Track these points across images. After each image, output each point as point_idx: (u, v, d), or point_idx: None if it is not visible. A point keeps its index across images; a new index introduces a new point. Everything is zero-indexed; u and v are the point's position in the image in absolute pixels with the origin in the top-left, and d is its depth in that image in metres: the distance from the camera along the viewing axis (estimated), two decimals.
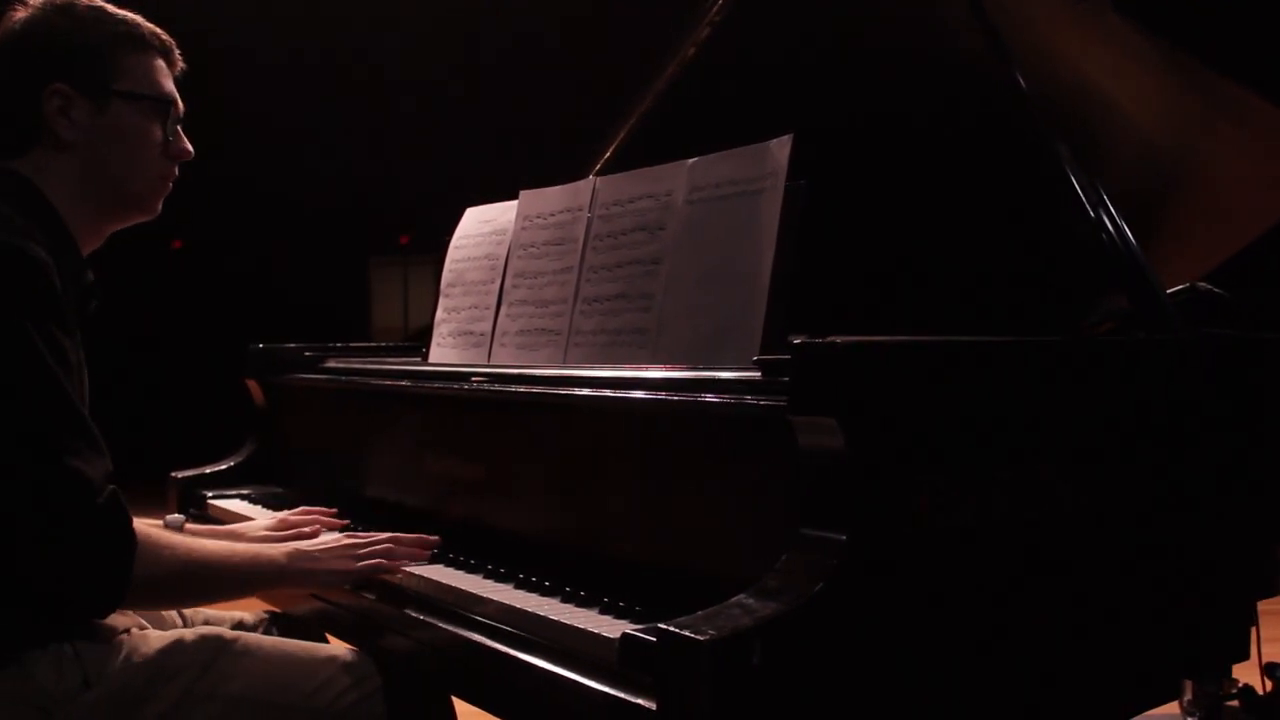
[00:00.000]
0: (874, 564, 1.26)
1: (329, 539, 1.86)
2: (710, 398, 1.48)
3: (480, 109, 9.28)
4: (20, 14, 1.75)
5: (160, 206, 1.85)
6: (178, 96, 1.83)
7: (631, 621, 1.41)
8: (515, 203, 2.23)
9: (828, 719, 1.24)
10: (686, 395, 1.50)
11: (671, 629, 1.21)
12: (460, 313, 2.28)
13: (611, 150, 2.42)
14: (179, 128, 1.83)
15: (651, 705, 1.25)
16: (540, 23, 9.12)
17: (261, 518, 2.09)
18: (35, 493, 1.49)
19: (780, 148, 1.72)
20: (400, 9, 8.71)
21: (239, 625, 1.97)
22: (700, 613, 1.25)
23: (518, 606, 1.50)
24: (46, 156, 1.73)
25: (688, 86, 2.33)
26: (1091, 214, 1.78)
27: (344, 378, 2.30)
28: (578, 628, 1.40)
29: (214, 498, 2.34)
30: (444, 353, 2.29)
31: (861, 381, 1.29)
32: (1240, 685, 2.21)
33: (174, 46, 1.84)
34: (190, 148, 1.84)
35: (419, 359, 2.37)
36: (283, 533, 1.97)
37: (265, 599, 2.15)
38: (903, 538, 1.29)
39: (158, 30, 1.82)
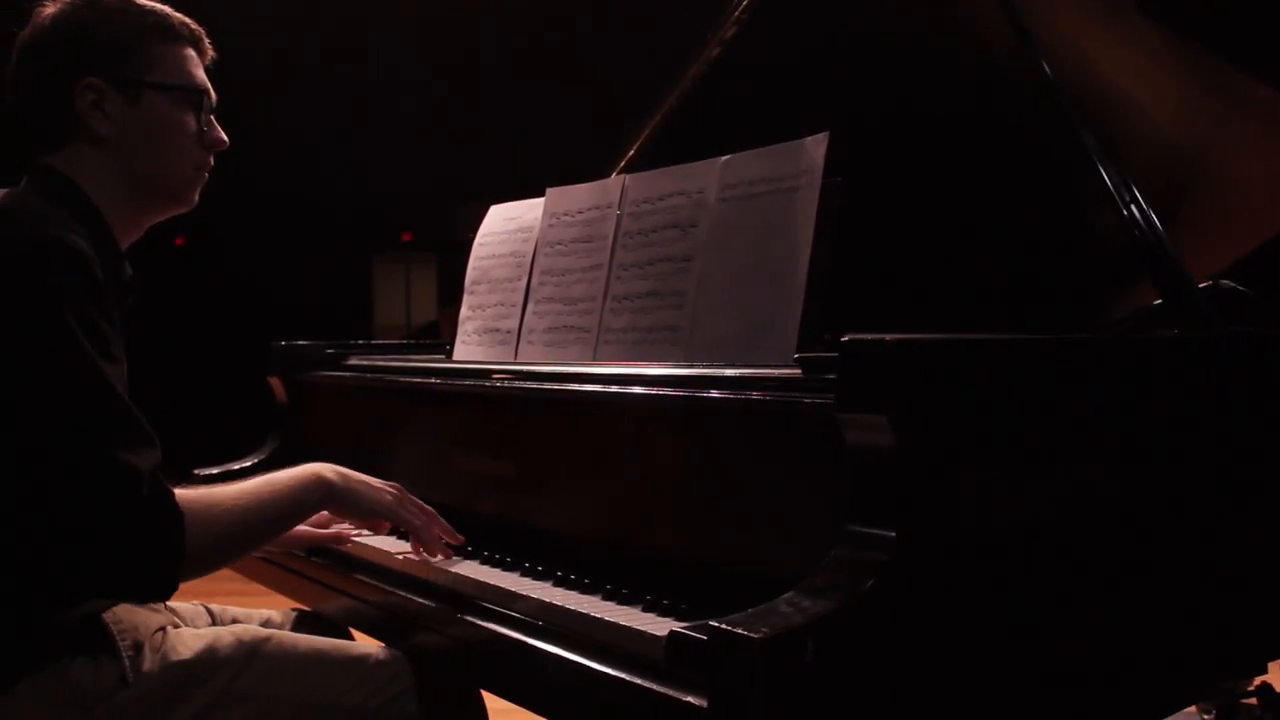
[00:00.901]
0: (923, 560, 1.26)
1: (381, 481, 1.86)
2: (752, 395, 1.48)
3: (482, 107, 9.27)
4: (49, 10, 1.74)
5: (196, 198, 1.85)
6: (210, 85, 1.83)
7: (675, 619, 1.41)
8: (540, 200, 2.23)
9: (876, 716, 1.24)
10: (729, 393, 1.50)
11: (725, 626, 1.20)
12: (486, 310, 2.28)
13: (635, 149, 2.41)
14: (212, 117, 1.82)
15: (701, 702, 1.25)
16: (542, 23, 9.12)
17: None
18: (80, 486, 1.49)
19: (816, 145, 1.72)
20: (403, 8, 8.70)
21: (265, 623, 1.97)
22: (750, 610, 1.25)
23: (559, 604, 1.50)
24: (82, 151, 1.73)
25: (712, 86, 2.33)
26: (1125, 212, 1.77)
27: (373, 375, 2.29)
28: (623, 625, 1.40)
29: None
30: (469, 350, 2.28)
31: (911, 379, 1.29)
32: (1258, 683, 2.21)
33: (204, 35, 1.83)
34: (225, 136, 1.83)
35: (443, 356, 2.37)
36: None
37: (292, 595, 2.16)
38: (951, 534, 1.29)
39: (187, 20, 1.81)
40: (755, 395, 1.48)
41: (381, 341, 2.59)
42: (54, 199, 1.66)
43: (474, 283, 2.34)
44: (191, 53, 1.81)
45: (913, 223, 2.12)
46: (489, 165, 9.42)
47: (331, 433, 2.40)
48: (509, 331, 2.20)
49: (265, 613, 2.01)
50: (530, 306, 2.16)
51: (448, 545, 1.84)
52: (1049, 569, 1.34)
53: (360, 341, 2.56)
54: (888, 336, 1.29)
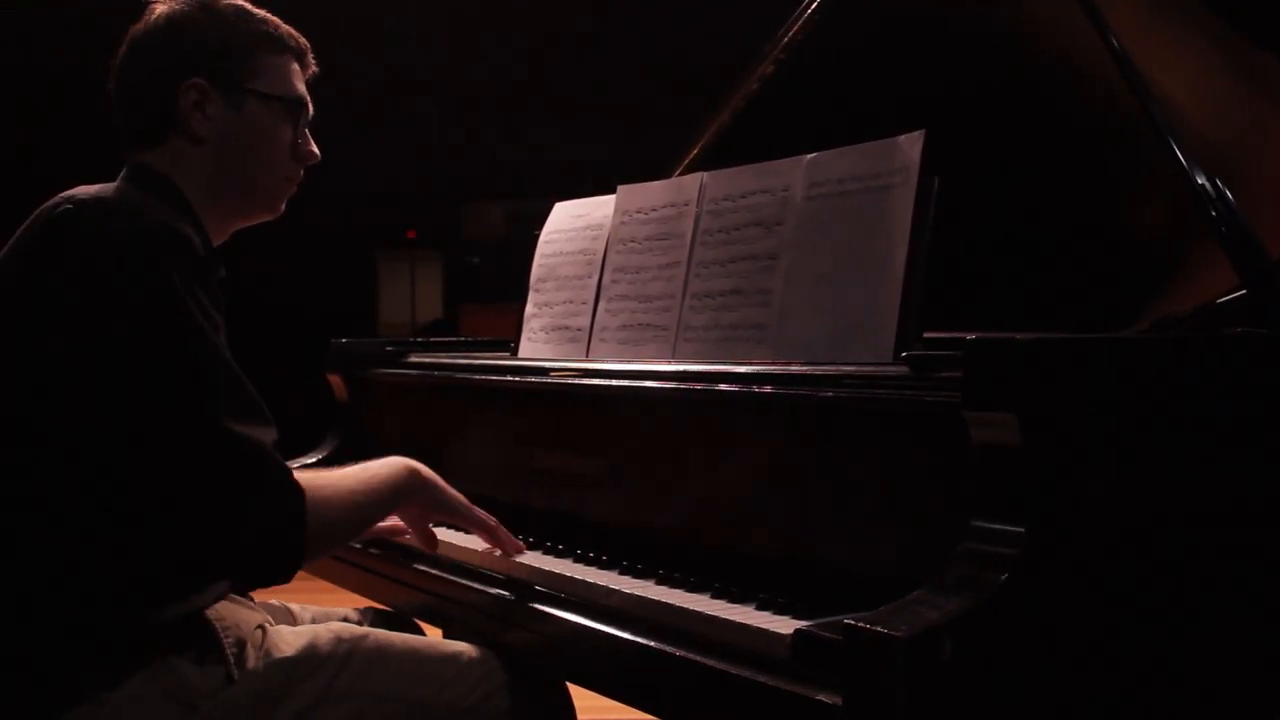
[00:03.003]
0: (1053, 556, 1.27)
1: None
2: (866, 393, 1.48)
3: (487, 106, 9.26)
4: (162, 8, 1.75)
5: (284, 207, 1.86)
6: (309, 99, 1.83)
7: (792, 618, 1.41)
8: (609, 197, 2.23)
9: (1010, 713, 1.25)
10: (842, 391, 1.50)
11: (864, 625, 1.20)
12: (554, 308, 2.28)
13: (699, 147, 2.41)
14: (307, 130, 1.83)
15: (834, 701, 1.25)
16: (547, 22, 9.12)
17: None
18: (208, 463, 1.50)
19: (911, 144, 1.71)
20: (409, 7, 8.69)
21: (344, 621, 1.97)
22: (883, 608, 1.25)
23: (674, 604, 1.49)
24: (180, 150, 1.73)
25: (777, 89, 2.33)
26: (1214, 213, 1.78)
27: (462, 374, 2.26)
28: (745, 624, 1.39)
29: None
30: (536, 347, 2.28)
31: (1040, 377, 1.29)
32: None
33: (309, 49, 1.84)
34: (317, 151, 1.84)
35: (506, 354, 2.37)
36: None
37: (362, 592, 2.15)
38: (1079, 531, 1.29)
39: (294, 32, 1.82)
40: (868, 393, 1.48)
41: (440, 339, 2.58)
42: (154, 194, 1.67)
43: (540, 280, 2.33)
44: (296, 65, 1.82)
45: (986, 221, 2.13)
46: (493, 164, 9.43)
47: (399, 431, 2.39)
48: (579, 329, 2.19)
49: (341, 611, 2.00)
50: (602, 304, 2.15)
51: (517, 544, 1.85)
52: (1175, 565, 1.34)
53: (418, 339, 2.55)
54: (1018, 336, 1.30)
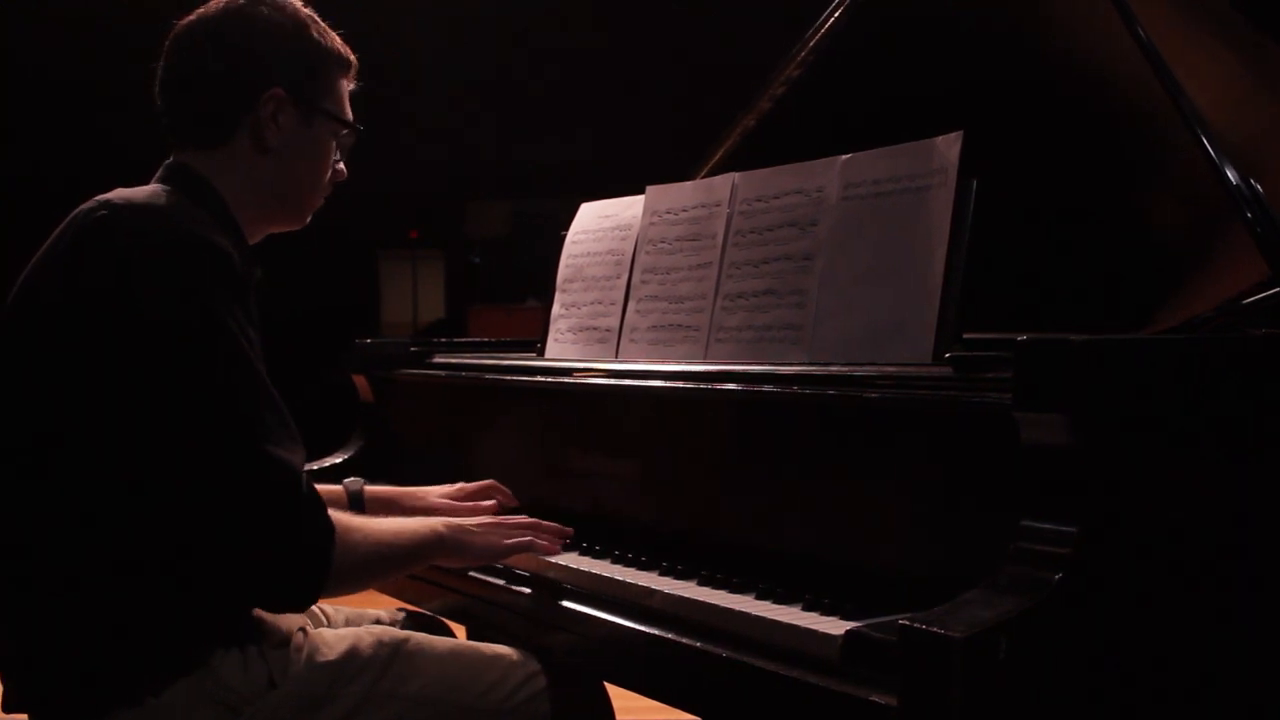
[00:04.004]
0: (1105, 556, 1.27)
1: (482, 518, 1.86)
2: (908, 393, 1.49)
3: (490, 106, 9.26)
4: (238, 5, 1.73)
5: (309, 219, 1.87)
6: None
7: (840, 618, 1.41)
8: (637, 198, 2.23)
9: (1061, 713, 1.25)
10: (887, 391, 1.50)
11: (920, 625, 1.21)
12: (581, 308, 2.28)
13: (723, 151, 2.41)
14: (344, 151, 1.85)
15: (888, 701, 1.25)
16: (548, 23, 9.11)
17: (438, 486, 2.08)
18: (244, 483, 1.49)
19: (948, 145, 1.72)
20: (412, 7, 8.68)
21: (377, 623, 1.97)
22: (938, 609, 1.25)
23: (720, 604, 1.50)
24: (238, 154, 1.71)
25: (802, 92, 2.33)
26: (1249, 213, 1.78)
27: (494, 375, 2.26)
28: (794, 625, 1.40)
29: None
30: (564, 348, 2.28)
31: (1093, 378, 1.29)
32: None
33: (356, 67, 1.84)
34: (345, 171, 1.85)
35: (533, 354, 2.37)
36: (462, 502, 1.99)
37: (396, 594, 2.15)
38: (1131, 531, 1.29)
39: (348, 49, 1.82)
40: (913, 394, 1.48)
41: (464, 340, 2.58)
42: (194, 199, 1.65)
43: (567, 280, 2.33)
44: (350, 87, 1.82)
45: (1019, 220, 2.13)
46: (496, 164, 9.42)
47: (427, 431, 2.39)
48: (608, 330, 2.19)
49: (374, 613, 2.00)
50: (632, 305, 2.15)
51: (563, 532, 1.85)
52: (1230, 566, 1.34)
53: (442, 340, 2.55)
54: (1072, 337, 1.30)
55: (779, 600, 1.49)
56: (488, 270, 9.85)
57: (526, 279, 9.60)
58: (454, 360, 2.38)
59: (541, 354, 2.33)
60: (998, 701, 1.20)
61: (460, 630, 2.14)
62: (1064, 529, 1.27)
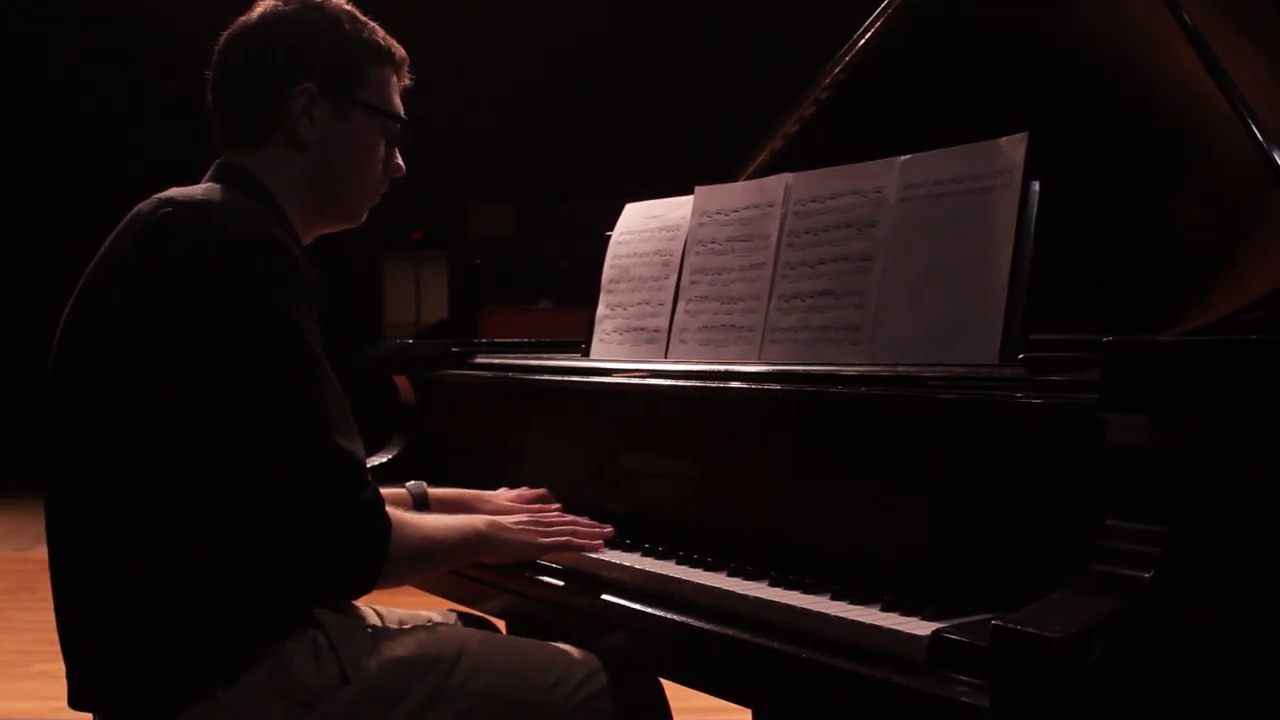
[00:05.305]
0: (1195, 556, 1.27)
1: (520, 516, 1.88)
2: (982, 394, 1.49)
3: (493, 107, 9.26)
4: (274, 7, 1.73)
5: (365, 217, 1.86)
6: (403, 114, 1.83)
7: (921, 619, 1.41)
8: (684, 199, 2.23)
9: (1157, 713, 1.25)
10: (964, 393, 1.51)
11: (1014, 626, 1.21)
12: (628, 309, 2.27)
13: (766, 153, 2.41)
14: (396, 146, 1.83)
15: (979, 702, 1.25)
16: (552, 25, 9.12)
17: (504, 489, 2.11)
18: (314, 473, 1.51)
19: (1013, 146, 1.72)
20: (415, 9, 8.69)
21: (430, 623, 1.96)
22: (1028, 610, 1.25)
23: (798, 605, 1.49)
24: (278, 153, 1.72)
25: (844, 97, 2.33)
26: None
27: (537, 375, 2.25)
28: (877, 626, 1.39)
29: None
30: (610, 348, 2.28)
31: (1181, 378, 1.29)
32: None
33: (407, 61, 1.84)
34: (403, 166, 1.84)
35: (577, 355, 2.36)
36: (527, 505, 2.00)
37: (445, 594, 2.15)
38: (1219, 530, 1.29)
39: (394, 43, 1.82)
40: (988, 394, 1.49)
41: (505, 340, 2.58)
42: (249, 196, 1.66)
43: (612, 281, 2.33)
44: (395, 79, 1.82)
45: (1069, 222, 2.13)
46: (499, 165, 9.43)
47: (472, 432, 2.38)
48: (656, 330, 2.19)
49: (427, 614, 1.99)
50: (681, 305, 2.15)
51: (602, 531, 1.86)
52: None
53: (483, 340, 2.55)
54: (1161, 338, 1.31)
55: (855, 601, 1.49)
56: (489, 271, 9.86)
57: (529, 280, 9.64)
58: (499, 360, 2.38)
59: (587, 354, 2.32)
60: (1091, 702, 1.20)
61: (502, 628, 2.14)
62: (1153, 528, 1.27)
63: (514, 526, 1.82)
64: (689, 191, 2.22)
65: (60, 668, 1.62)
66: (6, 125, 9.91)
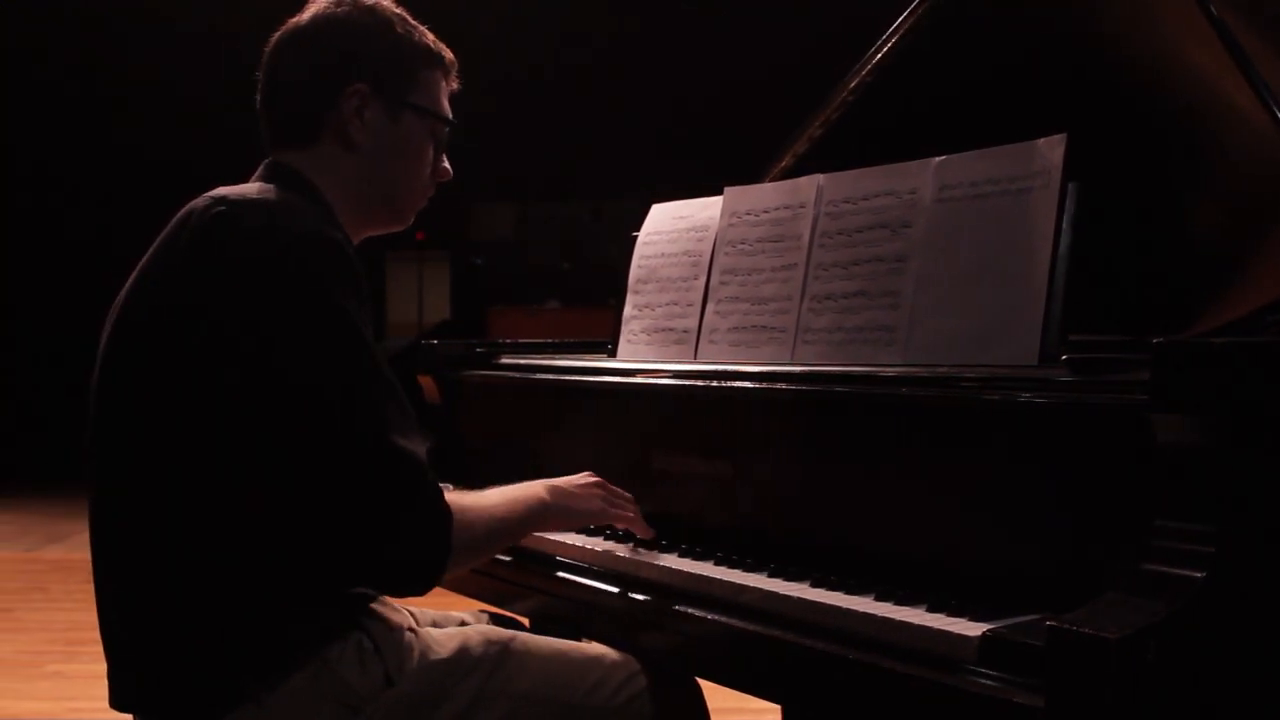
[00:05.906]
0: (1247, 556, 1.27)
1: (581, 479, 1.88)
2: (1029, 395, 1.49)
3: (496, 108, 9.25)
4: (328, 9, 1.74)
5: (413, 219, 1.87)
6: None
7: (969, 619, 1.41)
8: (712, 199, 2.23)
9: (1212, 714, 1.25)
10: (1009, 393, 1.51)
11: (1070, 627, 1.21)
12: (656, 309, 2.27)
13: (790, 155, 2.41)
14: (443, 150, 1.84)
15: (1033, 703, 1.25)
16: (553, 27, 9.12)
17: None
18: (373, 473, 1.50)
19: (1051, 147, 1.72)
20: (417, 11, 8.70)
21: (462, 624, 1.96)
22: (1083, 610, 1.26)
23: (843, 606, 1.50)
24: (329, 154, 1.72)
25: (871, 100, 2.33)
26: None
27: (567, 376, 2.25)
28: (926, 626, 1.40)
29: None
30: (637, 349, 2.28)
31: (1233, 378, 1.30)
32: None
33: (455, 65, 1.84)
34: (450, 170, 1.85)
35: (604, 355, 2.36)
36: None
37: (476, 595, 2.15)
38: (1272, 529, 1.30)
39: (444, 46, 1.82)
40: (1031, 395, 1.49)
41: (529, 341, 2.58)
42: (300, 196, 1.66)
43: (640, 281, 2.33)
44: (444, 82, 1.82)
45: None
46: (501, 166, 9.43)
47: (501, 432, 2.38)
48: (685, 331, 2.19)
49: (458, 615, 1.99)
50: (711, 306, 2.15)
51: (643, 540, 1.87)
52: None
53: (508, 341, 2.55)
54: (1213, 339, 1.31)
55: (900, 602, 1.49)
56: (490, 272, 9.86)
57: (531, 280, 9.64)
58: (527, 361, 2.38)
59: (613, 355, 2.32)
60: (1146, 703, 1.21)
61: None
62: (1205, 528, 1.28)
63: (578, 490, 1.83)
64: (691, 193, 2.22)
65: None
66: (6, 125, 9.90)
